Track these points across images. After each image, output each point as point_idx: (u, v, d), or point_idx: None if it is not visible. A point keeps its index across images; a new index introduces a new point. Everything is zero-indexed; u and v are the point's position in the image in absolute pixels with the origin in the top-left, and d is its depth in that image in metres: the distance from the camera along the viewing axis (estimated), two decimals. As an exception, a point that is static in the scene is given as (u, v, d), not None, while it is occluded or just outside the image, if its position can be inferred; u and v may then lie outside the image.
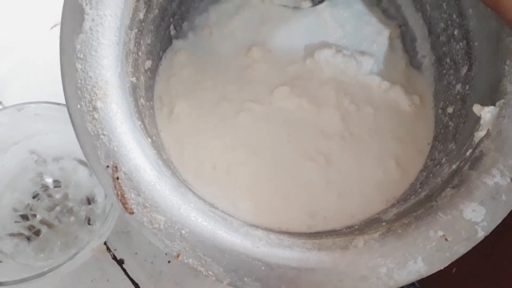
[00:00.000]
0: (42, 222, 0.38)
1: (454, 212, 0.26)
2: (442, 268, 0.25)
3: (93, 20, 0.26)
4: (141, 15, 0.31)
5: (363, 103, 0.37)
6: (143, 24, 0.32)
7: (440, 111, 0.37)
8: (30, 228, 0.38)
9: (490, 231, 0.25)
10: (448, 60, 0.36)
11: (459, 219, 0.25)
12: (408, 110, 0.36)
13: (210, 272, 0.25)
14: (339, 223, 0.31)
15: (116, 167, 0.25)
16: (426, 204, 0.27)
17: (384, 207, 0.31)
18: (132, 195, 0.25)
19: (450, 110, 0.35)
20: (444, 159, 0.31)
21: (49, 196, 0.39)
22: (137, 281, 0.40)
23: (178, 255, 0.25)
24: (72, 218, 0.39)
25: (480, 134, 0.27)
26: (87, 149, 0.25)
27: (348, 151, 0.34)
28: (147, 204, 0.25)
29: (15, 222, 0.38)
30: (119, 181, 0.25)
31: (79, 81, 0.25)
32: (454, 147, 0.31)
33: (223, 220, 0.27)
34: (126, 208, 0.25)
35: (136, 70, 0.31)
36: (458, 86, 0.34)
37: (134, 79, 0.30)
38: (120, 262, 0.40)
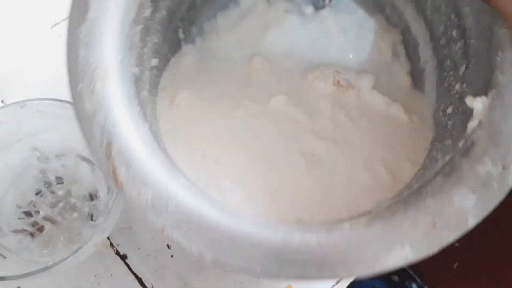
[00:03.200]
0: (46, 218, 0.39)
1: (444, 198, 0.25)
2: (430, 254, 0.24)
3: (96, 11, 0.28)
4: (147, 13, 0.33)
5: (359, 117, 0.37)
6: (149, 22, 0.34)
7: (441, 113, 0.36)
8: (34, 224, 0.39)
9: (481, 218, 0.24)
10: (448, 63, 0.36)
11: (448, 205, 0.25)
12: (405, 125, 0.36)
13: (193, 246, 0.25)
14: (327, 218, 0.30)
15: (110, 143, 0.26)
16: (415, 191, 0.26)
17: (375, 206, 0.31)
18: (123, 169, 0.26)
19: (449, 110, 0.34)
20: (439, 155, 0.31)
21: (52, 192, 0.40)
22: (140, 276, 0.40)
23: (163, 228, 0.25)
24: (75, 214, 0.39)
25: (472, 124, 0.27)
26: (84, 127, 0.27)
27: (338, 154, 0.34)
28: (136, 178, 0.26)
29: (19, 218, 0.39)
30: (112, 156, 0.26)
31: (81, 65, 0.27)
32: (450, 142, 0.31)
33: (211, 200, 0.27)
34: (116, 182, 0.26)
35: (141, 64, 0.33)
36: (457, 86, 0.34)
37: (137, 70, 0.32)
38: (123, 257, 0.40)
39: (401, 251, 0.24)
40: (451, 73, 0.36)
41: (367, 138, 0.35)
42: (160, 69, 0.38)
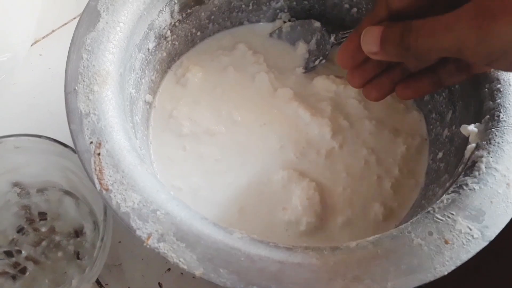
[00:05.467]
0: (28, 258, 0.35)
1: (452, 215, 0.24)
2: (446, 273, 0.22)
3: (107, 22, 0.28)
4: (151, 46, 0.34)
5: (357, 122, 0.38)
6: (151, 57, 0.35)
7: (430, 162, 0.37)
8: (15, 265, 0.35)
9: (493, 236, 0.23)
10: (434, 115, 0.38)
11: (457, 223, 0.23)
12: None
13: (181, 260, 0.22)
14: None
15: (99, 144, 0.25)
16: (422, 211, 0.25)
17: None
18: (111, 171, 0.24)
19: (440, 155, 0.35)
20: (437, 189, 0.30)
21: (35, 230, 0.36)
22: (131, 318, 0.34)
23: (148, 238, 0.22)
24: (60, 253, 0.36)
25: (470, 147, 0.27)
26: (74, 126, 0.25)
27: (328, 166, 0.35)
28: (124, 182, 0.24)
29: (-1, 259, 0.35)
30: (100, 157, 0.24)
31: (82, 67, 0.27)
32: (446, 176, 0.31)
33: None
34: (101, 184, 0.23)
35: (137, 90, 0.33)
36: (446, 131, 0.35)
37: (133, 92, 0.32)
38: (113, 299, 0.35)
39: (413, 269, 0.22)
40: (437, 123, 0.37)
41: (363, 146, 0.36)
42: (153, 107, 0.38)
